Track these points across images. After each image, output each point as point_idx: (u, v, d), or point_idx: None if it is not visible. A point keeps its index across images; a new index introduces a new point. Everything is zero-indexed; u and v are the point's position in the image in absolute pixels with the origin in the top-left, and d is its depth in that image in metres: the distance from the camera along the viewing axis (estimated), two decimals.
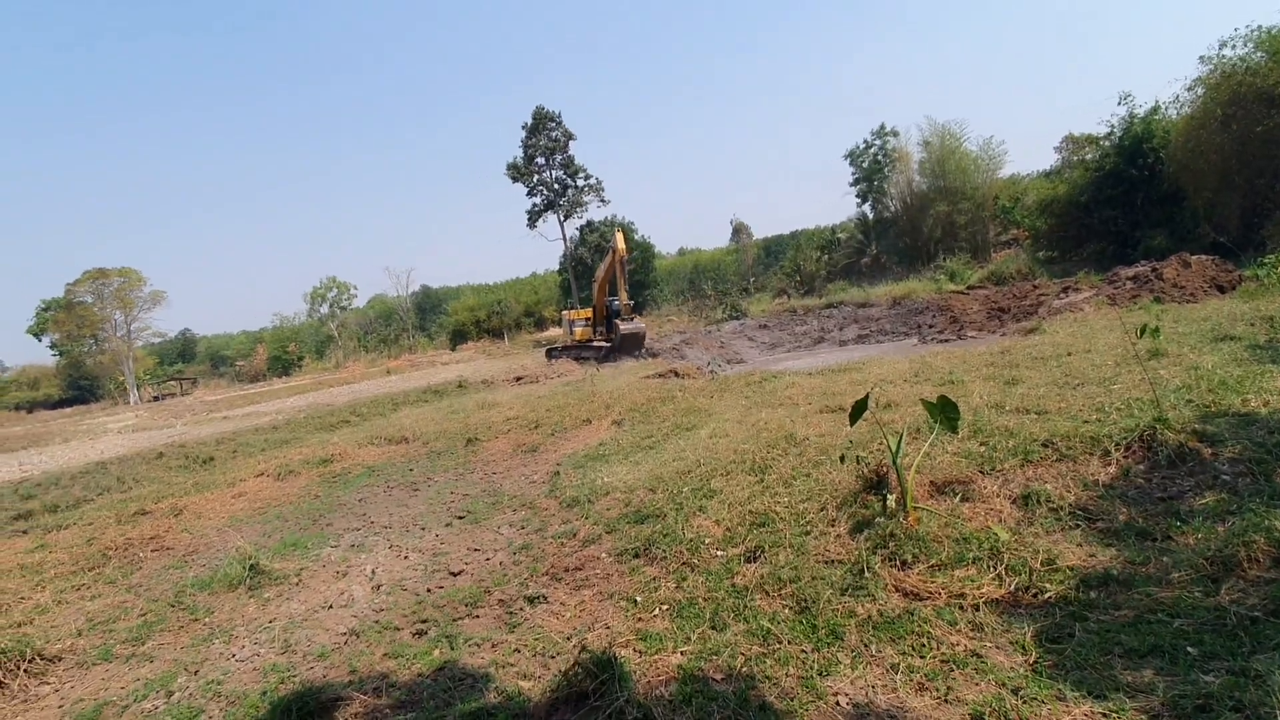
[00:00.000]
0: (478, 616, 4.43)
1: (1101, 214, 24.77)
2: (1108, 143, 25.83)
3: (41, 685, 4.29)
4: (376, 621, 4.51)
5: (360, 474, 9.68)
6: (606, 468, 7.45)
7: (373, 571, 5.47)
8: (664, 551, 4.72)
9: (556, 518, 6.16)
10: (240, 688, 3.87)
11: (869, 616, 3.47)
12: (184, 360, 76.62)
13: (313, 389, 31.25)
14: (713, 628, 3.66)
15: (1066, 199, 27.02)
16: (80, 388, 61.62)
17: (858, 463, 4.94)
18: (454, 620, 4.38)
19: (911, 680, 2.96)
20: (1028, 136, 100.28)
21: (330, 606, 4.89)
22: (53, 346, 61.84)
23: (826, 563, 4.09)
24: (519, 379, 20.87)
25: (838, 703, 2.90)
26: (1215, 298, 13.31)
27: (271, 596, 5.22)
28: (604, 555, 5.00)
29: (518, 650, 3.88)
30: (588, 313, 26.63)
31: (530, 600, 4.46)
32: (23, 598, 5.99)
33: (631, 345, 21.74)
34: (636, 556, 4.82)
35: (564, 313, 31.67)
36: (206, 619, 4.96)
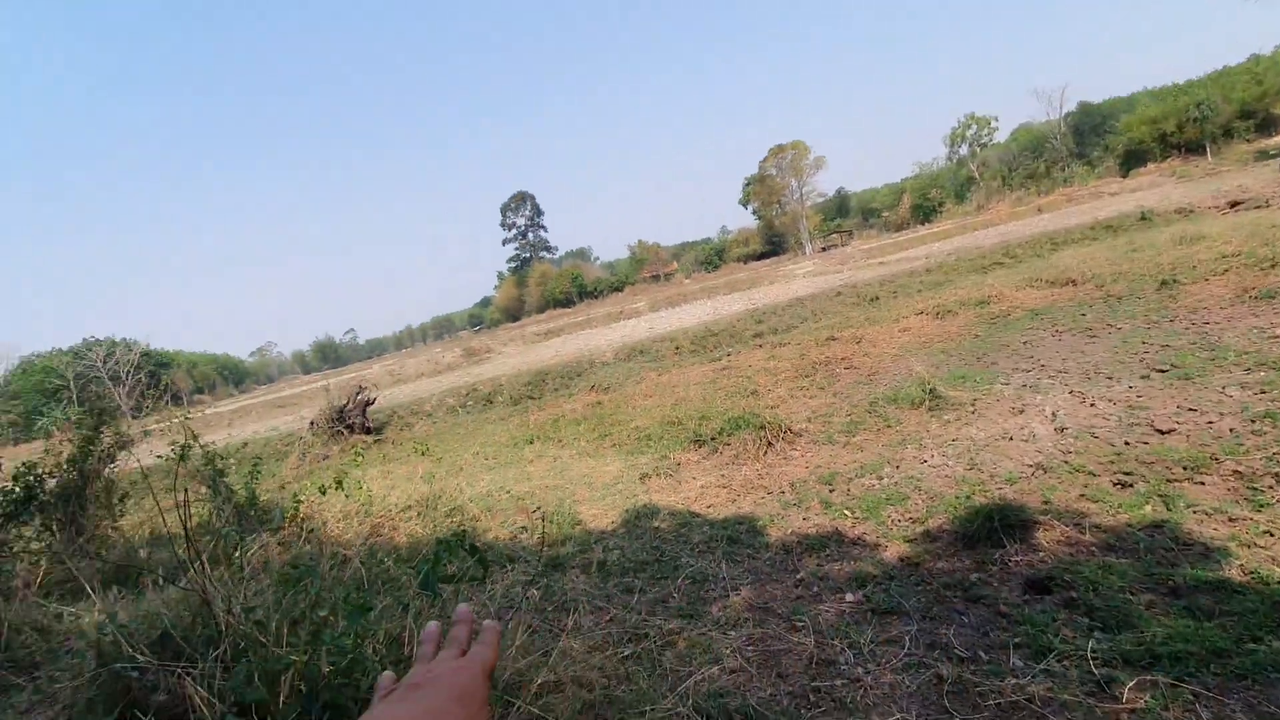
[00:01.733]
0: (1202, 483, 3.68)
1: None
2: None
3: (792, 450, 5.96)
4: (1065, 462, 4.32)
5: (1022, 316, 9.21)
6: None
7: (1053, 413, 5.22)
8: None
9: None
10: (935, 487, 4.42)
11: None
12: (840, 215, 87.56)
13: (956, 234, 31.06)
14: None
15: None
16: (772, 243, 78.74)
17: None
18: (1168, 480, 3.78)
19: None
20: None
21: (1010, 438, 4.95)
22: (754, 213, 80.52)
23: None
24: (1235, 204, 15.39)
25: None
26: None
27: (950, 419, 5.66)
28: None
29: (1270, 533, 3.06)
30: None
31: None
32: (768, 389, 8.37)
33: None
34: None
35: None
36: (897, 427, 5.81)
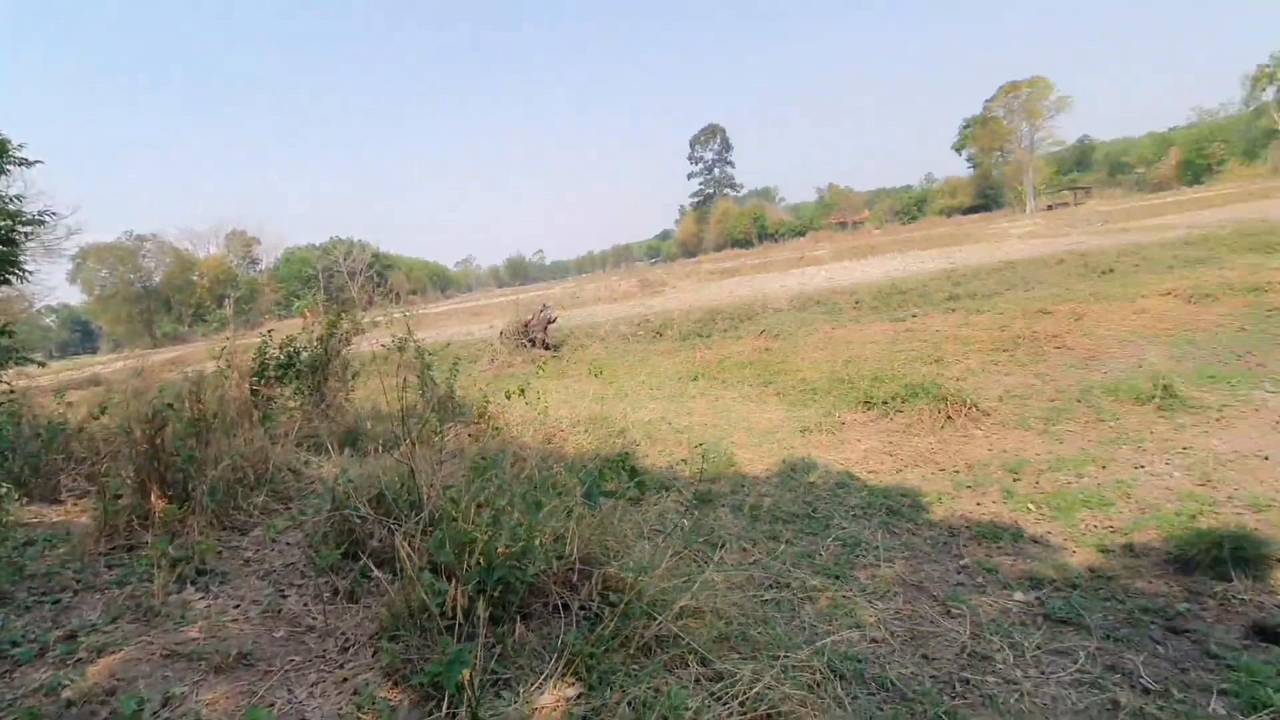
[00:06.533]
0: None
1: None
2: None
3: (975, 429, 5.46)
4: None
5: None
6: None
7: None
8: None
9: None
10: (1150, 498, 3.83)
11: None
12: (1079, 169, 75.26)
13: (1236, 200, 25.33)
14: None
15: None
16: (986, 196, 70.06)
17: None
18: None
19: None
20: None
21: (1265, 457, 4.10)
22: (969, 160, 71.79)
23: None
24: None
25: None
26: None
27: (1186, 423, 4.81)
28: None
29: None
30: None
31: None
32: (956, 359, 7.66)
33: None
34: None
35: None
36: (1111, 422, 5.06)
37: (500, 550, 2.75)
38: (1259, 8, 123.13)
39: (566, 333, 15.64)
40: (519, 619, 2.73)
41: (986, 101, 64.85)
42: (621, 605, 2.59)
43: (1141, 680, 2.43)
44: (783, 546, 3.85)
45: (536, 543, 2.92)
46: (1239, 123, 56.25)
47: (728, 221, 78.66)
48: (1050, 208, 51.41)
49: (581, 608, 2.87)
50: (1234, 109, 58.19)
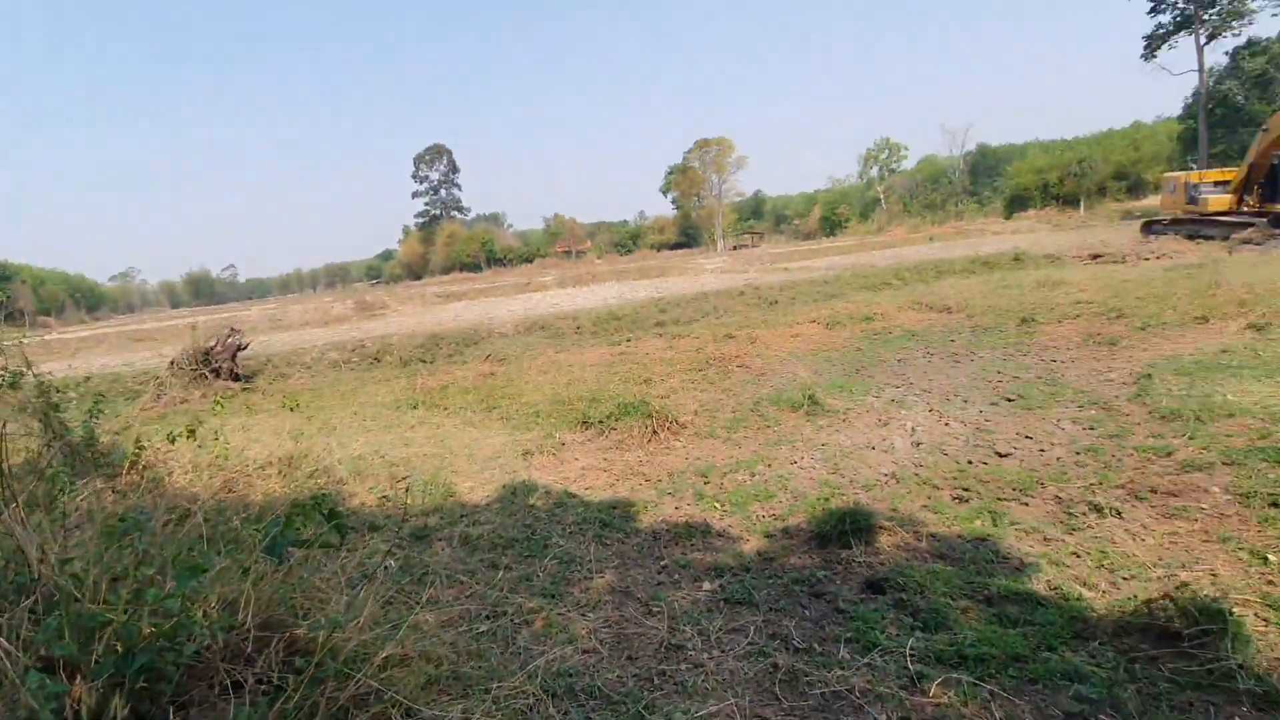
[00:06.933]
0: (1026, 504, 4.12)
1: None
2: None
3: (675, 440, 6.10)
4: (916, 474, 4.70)
5: (900, 336, 9.90)
6: (1233, 383, 5.60)
7: (913, 429, 5.65)
8: None
9: (1143, 428, 5.05)
10: (801, 488, 4.68)
11: None
12: (755, 218, 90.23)
13: (856, 250, 32.85)
14: None
15: None
16: (687, 235, 79.92)
17: None
18: (998, 499, 4.20)
19: None
20: None
21: (873, 448, 5.32)
22: (673, 202, 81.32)
23: None
24: (1096, 256, 17.28)
25: None
26: None
27: (824, 425, 6.00)
28: (1215, 489, 3.89)
29: (1076, 554, 3.48)
30: (1227, 174, 19.38)
31: (1097, 508, 3.87)
32: (662, 379, 8.52)
33: None
34: (1275, 506, 3.57)
35: (1168, 176, 23.93)
36: (775, 427, 6.09)
37: (145, 631, 2.22)
38: (878, 103, 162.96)
39: (263, 360, 13.59)
40: (172, 710, 2.23)
41: (685, 153, 74.45)
42: (310, 669, 2.28)
43: (793, 642, 2.93)
44: (501, 573, 3.81)
45: (198, 615, 2.43)
46: (857, 191, 73.62)
47: (455, 244, 76.89)
48: (735, 248, 60.74)
49: (260, 681, 2.46)
50: (854, 180, 76.03)
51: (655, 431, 6.28)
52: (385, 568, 3.97)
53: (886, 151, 71.20)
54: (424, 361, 12.84)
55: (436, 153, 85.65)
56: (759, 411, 6.59)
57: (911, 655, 2.70)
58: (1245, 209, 18.35)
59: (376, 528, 4.62)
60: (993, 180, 62.47)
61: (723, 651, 2.89)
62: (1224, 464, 4.16)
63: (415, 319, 20.75)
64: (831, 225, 68.19)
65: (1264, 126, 18.41)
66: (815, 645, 2.89)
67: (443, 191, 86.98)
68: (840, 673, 2.64)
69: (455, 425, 7.56)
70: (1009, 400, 6.19)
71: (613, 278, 31.30)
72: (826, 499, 4.39)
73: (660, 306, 16.19)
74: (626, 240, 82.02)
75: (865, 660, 2.73)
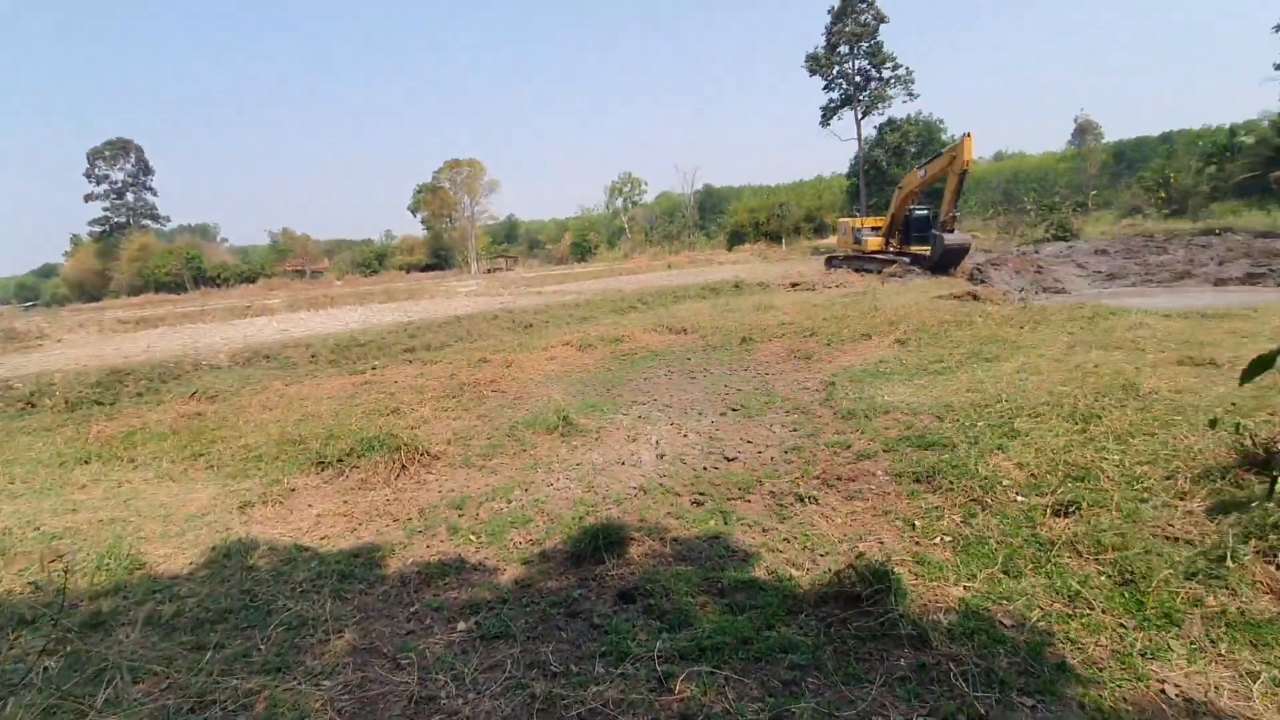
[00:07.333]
0: (749, 501, 4.70)
1: None
2: None
3: (427, 474, 5.76)
4: (660, 484, 5.07)
5: (645, 356, 10.67)
6: (887, 386, 7.08)
7: (657, 442, 6.11)
8: (950, 483, 4.40)
9: (830, 427, 6.11)
10: (557, 509, 4.74)
11: (1222, 610, 2.86)
12: (509, 241, 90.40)
13: (606, 275, 34.76)
14: (1005, 573, 3.38)
15: None
16: (439, 256, 76.85)
17: (1238, 431, 3.92)
18: (728, 500, 4.72)
19: (1276, 695, 2.41)
20: None
21: (623, 463, 5.62)
22: (423, 222, 77.74)
23: (1168, 539, 3.42)
24: (795, 285, 20.56)
25: (1163, 691, 2.50)
26: None
27: (578, 445, 6.18)
28: (879, 473, 4.86)
29: (787, 540, 4.05)
30: (879, 221, 24.68)
31: (801, 498, 4.57)
32: (413, 408, 8.01)
33: (953, 259, 19.71)
34: (917, 481, 4.58)
35: (841, 220, 29.89)
36: (532, 451, 6.10)
37: None
38: (624, 137, 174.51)
39: None
40: None
41: (435, 172, 71.79)
42: None
43: (551, 667, 2.93)
44: (210, 654, 3.19)
45: None
46: (605, 219, 78.19)
47: (149, 259, 63.59)
48: (490, 271, 60.08)
49: None
50: (601, 209, 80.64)
51: (404, 466, 5.87)
52: (42, 670, 3.10)
53: (630, 185, 76.87)
54: (101, 404, 10.34)
55: (120, 148, 70.27)
56: (515, 436, 6.55)
57: (660, 657, 2.88)
58: (891, 249, 23.54)
59: (29, 621, 3.58)
60: (717, 216, 71.30)
61: (478, 693, 2.77)
62: (884, 451, 5.22)
63: (89, 350, 16.65)
64: (582, 251, 71.30)
65: (900, 186, 23.93)
66: (572, 666, 2.92)
67: (130, 195, 71.53)
68: (596, 689, 2.71)
69: (145, 481, 6.21)
70: (734, 410, 7.04)
71: (355, 301, 28.72)
72: (581, 517, 4.51)
73: (410, 331, 15.27)
74: (371, 260, 76.16)
75: (619, 671, 2.84)
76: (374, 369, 11.09)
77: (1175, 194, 32.30)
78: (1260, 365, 3.41)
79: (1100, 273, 18.84)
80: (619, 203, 75.83)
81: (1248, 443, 3.78)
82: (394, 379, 10.01)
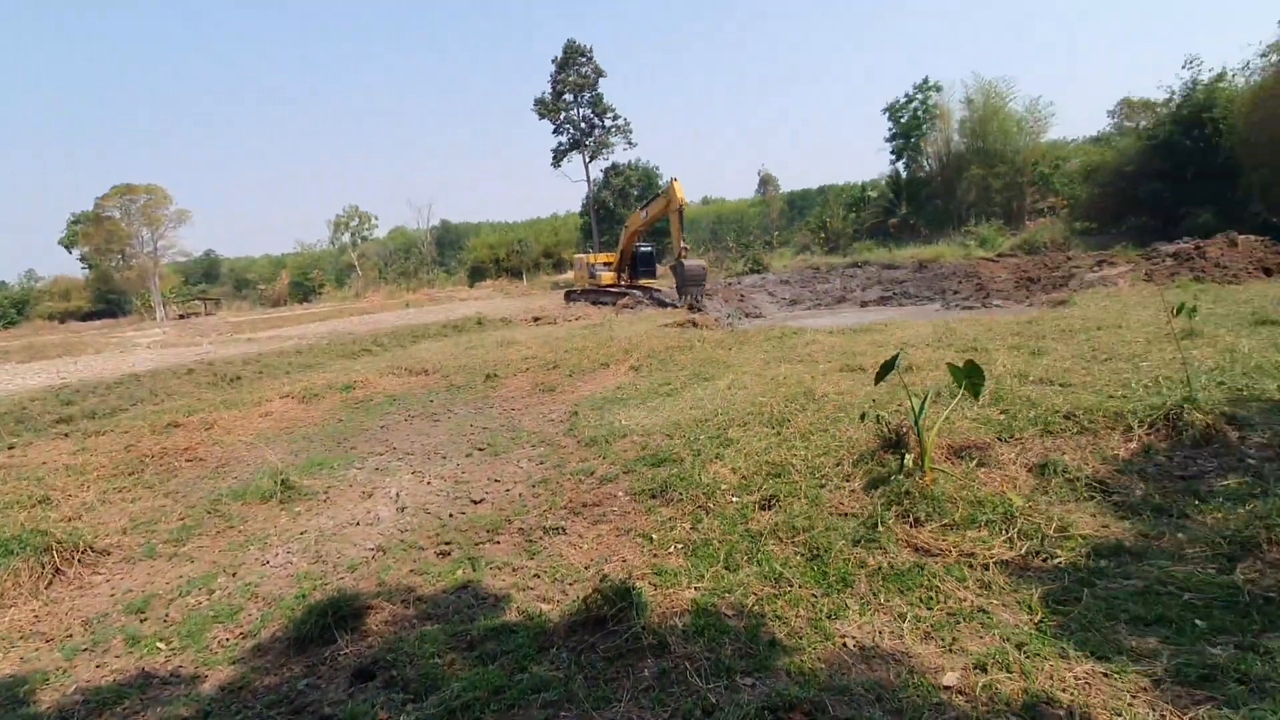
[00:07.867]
0: (498, 543, 4.61)
1: (1148, 186, 23.94)
2: (1165, 110, 24.75)
3: (94, 575, 4.58)
4: (402, 540, 4.72)
5: (382, 402, 9.91)
6: (624, 411, 7.57)
7: (397, 494, 5.68)
8: (680, 494, 4.84)
9: (575, 455, 6.31)
10: (276, 590, 4.10)
11: (879, 568, 3.58)
12: (208, 281, 77.51)
13: (334, 316, 31.65)
14: (726, 568, 3.80)
15: (1112, 167, 26.17)
16: (109, 301, 62.67)
17: (878, 421, 4.98)
18: (476, 544, 4.57)
19: (918, 629, 3.07)
20: (1081, 98, 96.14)
21: (358, 524, 5.11)
22: (83, 260, 62.78)
23: (840, 515, 4.19)
24: (537, 319, 20.97)
25: (845, 644, 3.03)
26: (1260, 280, 12.97)
27: (301, 511, 5.45)
28: (621, 494, 5.15)
29: (537, 576, 4.05)
30: (610, 257, 26.50)
31: (549, 531, 4.62)
32: (70, 495, 6.31)
33: (696, 282, 21.58)
34: (653, 497, 4.95)
35: (577, 256, 31.59)
36: (241, 527, 5.22)
37: None
38: (344, 170, 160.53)
39: None
40: None
41: (99, 199, 58.49)
42: None
43: None
44: None
45: None
46: (330, 255, 71.31)
47: None
48: (183, 316, 50.62)
49: None
50: (325, 245, 73.42)
51: (59, 569, 4.60)
52: None
53: (357, 219, 71.38)
54: None
55: None
56: (219, 511, 5.55)
57: None
58: (624, 283, 25.43)
59: None
60: (456, 252, 69.81)
61: None
62: (624, 473, 5.55)
63: None
64: (305, 291, 63.97)
65: (626, 225, 26.07)
66: None
67: None
68: None
69: None
70: (480, 450, 6.88)
71: None
72: (305, 595, 3.97)
73: (64, 397, 12.09)
74: (8, 309, 59.00)
75: None
76: (10, 449, 8.53)
77: (831, 235, 40.51)
78: (886, 369, 4.39)
79: (785, 299, 22.66)
80: (346, 238, 69.92)
81: (885, 430, 4.82)
82: (41, 459, 7.80)
